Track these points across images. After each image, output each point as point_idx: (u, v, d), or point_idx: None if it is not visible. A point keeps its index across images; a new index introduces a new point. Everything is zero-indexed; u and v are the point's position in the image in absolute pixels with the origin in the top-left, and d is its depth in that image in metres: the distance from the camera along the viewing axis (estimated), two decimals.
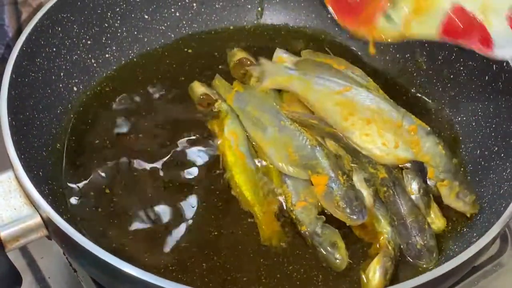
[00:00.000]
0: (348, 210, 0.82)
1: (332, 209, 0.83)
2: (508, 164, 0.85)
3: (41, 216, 0.72)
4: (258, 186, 0.87)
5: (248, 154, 0.90)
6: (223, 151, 0.90)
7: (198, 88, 0.98)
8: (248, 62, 1.03)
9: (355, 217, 0.82)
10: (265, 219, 0.84)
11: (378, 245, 0.83)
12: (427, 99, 1.02)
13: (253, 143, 0.92)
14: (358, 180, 0.86)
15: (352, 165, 0.88)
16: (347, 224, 0.83)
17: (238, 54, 1.04)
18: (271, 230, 0.84)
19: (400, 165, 0.88)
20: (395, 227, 0.84)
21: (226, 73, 1.03)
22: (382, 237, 0.83)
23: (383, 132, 0.88)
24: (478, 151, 0.92)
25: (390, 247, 0.82)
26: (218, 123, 0.94)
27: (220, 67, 1.04)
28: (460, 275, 0.75)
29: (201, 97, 0.97)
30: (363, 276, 0.80)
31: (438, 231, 0.86)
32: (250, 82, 1.00)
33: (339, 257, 0.81)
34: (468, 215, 0.86)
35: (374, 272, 0.80)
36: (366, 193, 0.85)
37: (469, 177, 0.91)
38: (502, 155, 0.87)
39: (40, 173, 0.81)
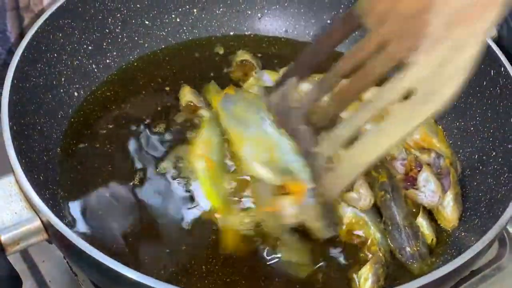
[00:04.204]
0: (324, 222, 0.80)
1: (307, 219, 0.81)
2: (505, 168, 0.85)
3: (41, 220, 0.72)
4: (224, 196, 0.86)
5: (220, 163, 0.89)
6: (192, 160, 0.90)
7: (186, 95, 0.98)
8: (248, 65, 1.04)
9: (330, 228, 0.81)
10: (228, 227, 0.84)
11: (368, 251, 0.83)
12: None
13: (230, 146, 0.90)
14: (361, 180, 0.86)
15: None
16: (319, 236, 0.81)
17: (242, 56, 1.05)
18: (235, 239, 0.83)
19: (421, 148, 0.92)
20: (389, 232, 0.84)
21: (226, 78, 1.04)
22: (372, 244, 0.83)
23: None
24: (476, 155, 0.92)
25: (381, 254, 0.82)
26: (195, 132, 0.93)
27: (220, 72, 1.05)
28: (457, 278, 0.75)
29: (189, 103, 0.97)
30: (355, 279, 0.80)
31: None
32: (244, 85, 1.00)
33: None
34: (450, 226, 0.87)
35: (366, 279, 0.80)
36: (368, 195, 0.86)
37: (467, 181, 0.91)
38: (500, 159, 0.87)
39: (41, 177, 0.82)
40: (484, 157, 0.91)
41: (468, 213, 0.88)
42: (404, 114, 0.68)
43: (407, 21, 0.65)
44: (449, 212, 0.87)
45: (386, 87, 0.69)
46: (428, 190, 0.87)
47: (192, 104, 0.97)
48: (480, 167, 0.91)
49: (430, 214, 0.89)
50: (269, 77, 1.01)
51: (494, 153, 0.89)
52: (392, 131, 0.70)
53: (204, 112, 0.95)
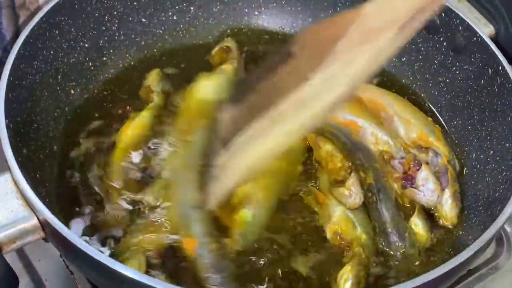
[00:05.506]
0: (211, 280, 0.78)
1: (201, 273, 0.79)
2: (503, 167, 0.85)
3: (38, 218, 0.72)
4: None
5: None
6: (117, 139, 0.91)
7: (151, 77, 0.99)
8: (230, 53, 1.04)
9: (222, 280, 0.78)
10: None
11: (352, 253, 0.82)
12: (423, 103, 1.02)
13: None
14: (353, 178, 0.86)
15: (349, 164, 0.88)
16: None
17: (227, 43, 1.06)
18: None
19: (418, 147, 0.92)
20: (376, 233, 0.84)
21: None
22: (356, 245, 0.82)
23: (416, 114, 0.95)
24: (474, 154, 0.92)
25: (363, 255, 0.81)
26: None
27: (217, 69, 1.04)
28: (455, 277, 0.75)
29: (148, 85, 0.98)
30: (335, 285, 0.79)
31: (419, 243, 0.85)
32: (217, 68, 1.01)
33: None
34: (450, 223, 0.87)
35: (346, 280, 0.78)
36: (359, 193, 0.86)
37: (465, 180, 0.91)
38: (498, 158, 0.87)
39: (37, 175, 0.82)
40: (482, 156, 0.91)
41: (466, 212, 0.88)
42: (284, 117, 0.71)
43: (322, 45, 0.70)
44: (448, 210, 0.87)
45: (284, 102, 0.71)
46: (427, 189, 0.87)
47: (149, 86, 0.98)
48: (478, 166, 0.91)
49: (430, 215, 0.89)
50: None
51: (492, 152, 0.89)
52: (272, 132, 0.72)
53: (154, 99, 0.96)
